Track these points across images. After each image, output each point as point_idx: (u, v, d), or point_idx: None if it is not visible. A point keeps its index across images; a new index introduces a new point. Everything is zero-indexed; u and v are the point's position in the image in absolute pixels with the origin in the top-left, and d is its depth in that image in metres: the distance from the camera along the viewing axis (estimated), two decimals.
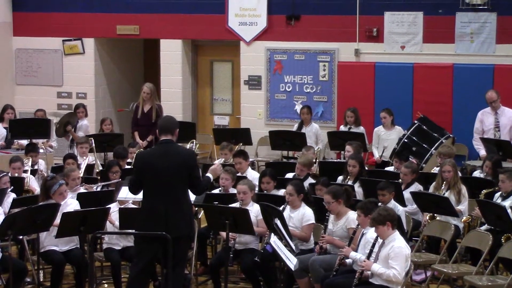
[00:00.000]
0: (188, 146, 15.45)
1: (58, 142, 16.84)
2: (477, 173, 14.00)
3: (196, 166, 9.89)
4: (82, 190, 12.06)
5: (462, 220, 12.11)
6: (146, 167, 9.74)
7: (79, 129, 16.84)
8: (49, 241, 11.04)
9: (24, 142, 15.65)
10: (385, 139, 15.94)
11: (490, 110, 15.66)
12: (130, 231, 10.71)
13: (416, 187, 12.79)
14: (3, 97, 18.03)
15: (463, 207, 12.29)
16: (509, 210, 11.31)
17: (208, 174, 10.35)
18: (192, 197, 10.65)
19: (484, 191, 12.53)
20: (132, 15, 18.99)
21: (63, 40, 19.38)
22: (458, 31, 17.18)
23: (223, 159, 14.37)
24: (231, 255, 11.17)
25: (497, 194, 12.25)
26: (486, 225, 11.86)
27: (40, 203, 11.12)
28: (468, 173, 14.25)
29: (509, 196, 12.00)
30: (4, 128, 16.37)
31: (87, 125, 17.28)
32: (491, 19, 16.97)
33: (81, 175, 12.80)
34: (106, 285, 11.93)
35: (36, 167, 14.17)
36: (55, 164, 14.76)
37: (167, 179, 9.56)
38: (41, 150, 14.94)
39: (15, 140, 16.21)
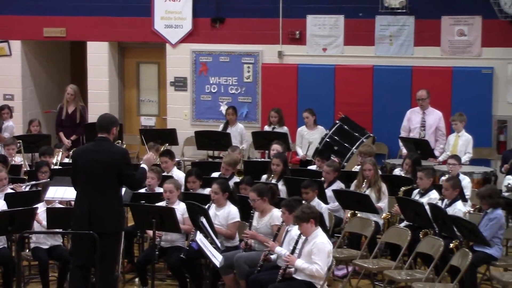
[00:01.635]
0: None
1: None
2: (397, 171, 14.15)
3: (127, 164, 9.76)
4: (9, 190, 11.94)
5: (382, 217, 12.22)
6: (78, 162, 9.72)
7: (4, 130, 16.69)
8: None
9: None
10: (308, 139, 16.03)
11: (419, 109, 15.83)
12: (57, 230, 10.66)
13: (338, 185, 12.89)
14: None
15: (383, 204, 12.41)
16: (427, 207, 11.46)
17: (143, 165, 10.25)
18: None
19: (403, 189, 12.66)
20: (59, 18, 18.83)
21: None
22: (378, 34, 17.35)
23: None
24: (158, 253, 11.16)
25: (416, 191, 12.42)
26: (405, 221, 12.01)
27: None
28: (388, 171, 14.39)
29: (427, 193, 12.17)
30: None
31: (13, 126, 17.10)
32: (409, 22, 17.17)
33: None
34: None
35: None
36: None
37: (95, 175, 9.48)
38: None
39: None
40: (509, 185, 14.07)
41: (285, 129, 16.39)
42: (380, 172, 13.05)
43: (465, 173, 13.66)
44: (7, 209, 10.98)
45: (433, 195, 12.07)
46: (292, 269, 9.80)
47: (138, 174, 9.87)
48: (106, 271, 9.55)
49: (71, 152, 13.77)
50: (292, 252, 9.89)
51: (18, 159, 14.62)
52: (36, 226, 11.02)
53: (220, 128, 17.01)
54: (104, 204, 9.49)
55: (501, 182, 14.72)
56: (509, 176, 14.49)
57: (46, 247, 11.23)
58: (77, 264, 9.70)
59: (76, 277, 9.71)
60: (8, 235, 10.91)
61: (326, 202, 12.31)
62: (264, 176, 13.30)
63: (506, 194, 13.22)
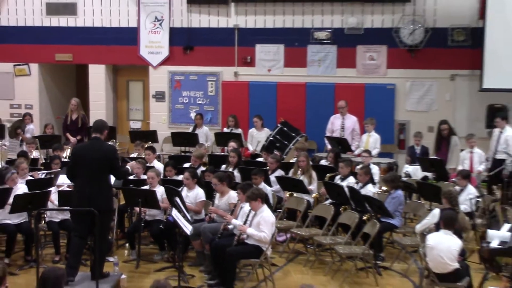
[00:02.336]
0: (109, 143, 15.30)
1: (11, 142, 16.47)
2: (323, 162, 14.21)
3: (115, 158, 9.74)
4: (29, 177, 11.86)
5: (313, 196, 12.28)
6: (77, 157, 9.68)
7: (27, 132, 16.60)
8: (4, 216, 10.84)
9: None
10: (257, 138, 16.03)
11: (340, 115, 15.89)
12: (65, 208, 10.62)
13: (279, 172, 12.91)
14: None
15: (313, 187, 12.45)
16: (346, 189, 11.53)
17: (128, 167, 10.59)
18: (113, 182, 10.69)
19: (328, 175, 12.73)
20: (68, 46, 18.68)
21: (14, 65, 18.97)
22: (309, 59, 17.39)
23: (137, 153, 14.34)
24: (143, 225, 11.15)
25: (337, 177, 12.48)
26: (329, 199, 12.08)
27: None
28: (316, 162, 14.40)
29: (346, 178, 12.26)
30: None
31: (33, 129, 17.03)
32: (333, 50, 17.23)
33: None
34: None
35: None
36: (8, 158, 14.45)
37: (92, 167, 9.46)
38: None
39: None
40: (407, 172, 14.24)
41: (239, 130, 16.37)
42: (311, 163, 13.10)
43: (374, 163, 13.77)
44: (28, 192, 10.92)
45: (351, 180, 12.15)
46: (245, 236, 9.82)
47: (123, 170, 10.03)
48: (101, 238, 9.53)
49: None
50: (245, 223, 9.92)
51: (36, 154, 14.52)
52: (50, 205, 10.99)
53: (190, 130, 16.95)
54: (100, 189, 9.50)
55: (401, 170, 14.88)
56: (407, 165, 14.67)
57: (58, 220, 11.24)
58: (77, 234, 9.68)
59: (76, 244, 9.68)
60: (28, 211, 10.87)
61: (270, 185, 12.34)
62: (224, 166, 13.29)
63: (404, 179, 13.36)
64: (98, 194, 9.45)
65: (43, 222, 11.48)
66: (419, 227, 10.14)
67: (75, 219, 9.91)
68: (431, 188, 11.96)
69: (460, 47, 16.49)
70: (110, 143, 15.13)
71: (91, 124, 16.99)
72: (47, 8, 18.77)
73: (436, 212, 9.85)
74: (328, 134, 15.82)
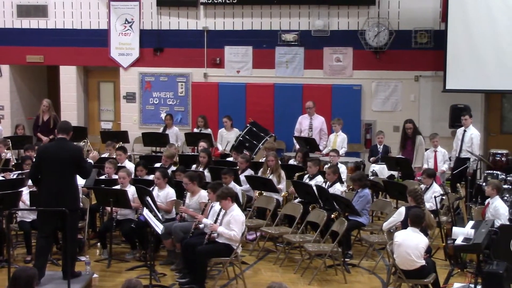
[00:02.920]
0: (81, 144, 15.10)
1: None
2: (292, 161, 14.17)
3: (81, 158, 9.63)
4: (0, 178, 11.66)
5: (282, 195, 12.23)
6: (44, 157, 9.47)
7: None
8: None
9: None
10: (227, 138, 15.97)
11: (307, 116, 15.87)
12: (37, 208, 10.41)
13: (249, 172, 12.84)
14: None
15: (282, 186, 12.40)
16: (314, 188, 11.49)
17: (90, 160, 10.31)
18: (82, 182, 10.55)
19: (297, 174, 12.70)
20: (38, 48, 18.46)
21: None
22: (277, 60, 17.35)
23: (108, 153, 14.18)
24: (114, 224, 11.01)
25: (306, 176, 12.44)
26: (298, 198, 12.02)
27: None
28: (285, 162, 14.40)
29: (314, 177, 12.20)
30: None
31: (1, 129, 16.68)
32: (300, 51, 17.21)
33: None
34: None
35: None
36: None
37: (58, 167, 9.29)
38: None
39: None
40: (373, 171, 14.26)
41: (209, 130, 16.31)
42: (280, 162, 13.06)
43: (342, 162, 13.76)
44: None
45: (319, 179, 12.10)
46: (215, 234, 9.74)
47: (88, 166, 9.73)
48: (71, 238, 9.38)
49: None
50: (215, 222, 9.84)
51: (7, 154, 14.29)
52: (21, 205, 10.81)
53: (160, 130, 16.83)
54: (66, 188, 9.33)
55: (368, 169, 14.90)
56: (373, 164, 14.68)
57: (29, 220, 11.03)
58: (43, 235, 9.48)
59: (42, 245, 9.48)
60: None
61: (240, 185, 12.26)
62: (194, 166, 13.19)
63: (371, 177, 13.37)
64: (66, 194, 9.28)
65: (15, 222, 11.31)
66: (386, 225, 10.12)
67: (41, 219, 9.66)
68: (397, 187, 11.95)
69: (423, 49, 16.56)
70: (81, 143, 15.04)
71: None
72: (18, 10, 18.53)
73: (402, 210, 9.84)
74: (296, 134, 15.78)
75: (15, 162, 13.96)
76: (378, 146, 15.15)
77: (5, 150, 14.32)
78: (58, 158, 9.31)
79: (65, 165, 9.32)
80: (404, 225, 9.41)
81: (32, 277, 6.50)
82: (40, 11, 18.43)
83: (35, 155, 10.73)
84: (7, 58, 18.64)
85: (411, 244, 8.74)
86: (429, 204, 11.06)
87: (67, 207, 9.05)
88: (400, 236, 8.90)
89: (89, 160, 10.34)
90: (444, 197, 11.41)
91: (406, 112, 16.44)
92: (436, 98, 16.44)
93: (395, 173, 13.72)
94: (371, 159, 14.99)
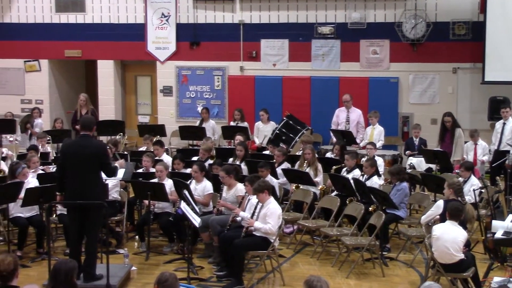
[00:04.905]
0: (117, 137, 15.24)
1: (22, 136, 16.40)
2: (329, 154, 14.11)
3: (105, 155, 9.47)
4: (40, 171, 11.79)
5: (319, 188, 12.17)
6: (68, 154, 9.32)
7: (35, 126, 16.51)
8: (16, 209, 10.80)
9: None
10: (263, 131, 15.96)
11: (344, 109, 15.80)
12: (75, 202, 10.49)
13: (286, 165, 12.80)
14: None
15: (319, 179, 12.35)
16: (351, 181, 11.43)
17: (116, 165, 10.12)
18: (121, 175, 10.63)
19: (334, 167, 12.64)
20: (77, 42, 18.62)
21: (25, 61, 18.93)
22: (314, 53, 17.29)
23: (145, 147, 14.25)
24: (152, 217, 11.07)
25: (343, 169, 12.39)
26: (335, 191, 11.97)
27: (8, 182, 10.89)
28: (322, 155, 14.34)
29: (352, 171, 12.15)
30: None
31: (41, 123, 16.91)
32: (337, 44, 17.12)
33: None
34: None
35: (7, 155, 13.90)
36: (20, 152, 14.38)
37: (82, 164, 9.11)
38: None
39: None
40: (411, 164, 14.14)
41: (245, 124, 16.29)
42: (316, 155, 13.01)
43: (379, 155, 13.67)
44: (39, 186, 10.85)
45: (356, 172, 12.05)
46: (253, 228, 9.73)
47: (113, 167, 9.59)
48: (94, 236, 9.37)
49: None
50: (252, 215, 9.83)
51: (47, 148, 14.44)
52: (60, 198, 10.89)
53: (197, 124, 16.87)
54: (91, 186, 9.15)
55: (405, 162, 14.78)
56: (411, 157, 14.56)
57: None
58: (73, 228, 9.34)
59: (73, 238, 9.39)
60: (39, 205, 10.79)
61: (277, 178, 12.23)
62: (231, 159, 13.19)
63: (409, 171, 13.26)
64: (89, 191, 9.10)
65: (54, 215, 11.41)
66: (424, 218, 10.01)
67: (69, 213, 9.53)
68: (435, 180, 11.83)
69: (461, 41, 16.37)
70: (117, 136, 15.16)
71: (100, 118, 17.11)
72: (56, 5, 18.72)
73: (440, 203, 9.73)
74: (333, 127, 15.70)
75: (54, 155, 14.08)
76: (414, 139, 15.03)
77: (45, 144, 14.49)
78: (82, 155, 9.12)
79: (88, 162, 9.13)
80: (442, 218, 9.32)
81: (72, 269, 6.55)
82: (78, 6, 18.59)
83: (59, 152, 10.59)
84: (46, 53, 18.84)
85: (449, 238, 8.66)
86: (468, 197, 10.94)
87: (91, 205, 9.02)
88: (439, 230, 8.81)
89: (116, 164, 10.11)
90: (483, 190, 11.27)
91: (443, 105, 16.27)
92: (475, 90, 16.27)
93: (433, 166, 13.58)
94: (407, 152, 14.87)
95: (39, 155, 12.99)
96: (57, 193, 9.53)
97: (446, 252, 8.67)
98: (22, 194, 10.50)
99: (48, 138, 14.68)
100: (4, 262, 6.43)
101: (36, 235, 11.15)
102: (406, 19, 16.60)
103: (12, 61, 18.97)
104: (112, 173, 9.58)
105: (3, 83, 19.12)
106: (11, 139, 15.62)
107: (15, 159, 13.20)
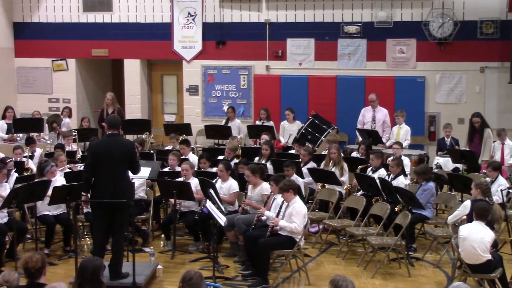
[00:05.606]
0: (143, 136, 15.30)
1: (49, 135, 16.51)
2: (354, 154, 14.07)
3: (134, 153, 9.54)
4: (67, 170, 11.87)
5: (344, 188, 12.15)
6: (97, 153, 9.31)
7: (63, 126, 16.65)
8: (44, 207, 10.90)
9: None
10: (289, 130, 15.95)
11: (370, 108, 15.75)
12: (103, 200, 10.55)
13: (311, 164, 12.79)
14: (8, 102, 17.65)
15: (344, 178, 12.33)
16: (377, 180, 11.39)
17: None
18: (146, 174, 10.65)
19: (359, 167, 12.61)
20: (104, 41, 18.73)
21: (52, 60, 19.06)
22: (339, 52, 17.23)
23: (171, 146, 14.31)
24: (178, 216, 11.11)
25: (369, 169, 12.35)
26: (361, 191, 11.94)
27: (36, 180, 10.99)
28: (348, 154, 14.30)
29: (377, 170, 12.12)
30: (6, 123, 16.06)
31: (69, 122, 17.08)
32: (363, 43, 17.05)
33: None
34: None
35: (35, 154, 13.99)
36: (47, 151, 14.49)
37: (112, 163, 9.15)
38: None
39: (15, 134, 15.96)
40: (438, 164, 14.06)
41: (271, 123, 16.28)
42: (342, 155, 12.98)
43: (405, 155, 13.61)
44: (66, 184, 10.93)
45: (382, 172, 12.01)
46: (278, 227, 9.73)
47: (138, 163, 9.58)
48: (122, 235, 9.43)
49: None
50: (277, 214, 9.83)
51: (74, 147, 14.54)
52: (85, 198, 10.97)
53: (223, 123, 16.90)
54: (120, 184, 9.20)
55: (432, 162, 14.70)
56: (438, 157, 14.49)
57: None
58: (100, 226, 9.36)
59: (100, 235, 9.43)
60: (67, 203, 10.87)
61: (302, 177, 12.23)
62: (256, 158, 13.20)
63: (435, 170, 13.19)
64: (120, 190, 9.16)
65: (81, 213, 11.48)
66: (450, 218, 9.94)
67: (94, 214, 9.55)
68: (462, 180, 11.76)
69: (489, 40, 16.24)
70: (144, 135, 15.22)
71: (126, 117, 17.19)
72: (83, 4, 18.83)
73: (468, 203, 9.66)
74: (359, 126, 15.66)
75: (81, 154, 14.18)
76: (446, 139, 14.94)
77: (71, 142, 14.60)
78: (112, 154, 9.17)
79: (118, 160, 9.18)
80: (469, 218, 9.25)
81: (99, 267, 6.59)
82: (105, 5, 18.69)
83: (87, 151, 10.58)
84: (73, 52, 18.96)
85: (476, 238, 8.59)
86: (495, 198, 10.85)
87: (121, 203, 9.06)
88: (465, 230, 8.75)
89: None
90: (510, 191, 11.18)
91: (471, 104, 16.16)
92: (503, 89, 16.13)
93: (459, 166, 13.49)
94: (439, 153, 14.78)
95: (65, 153, 13.09)
96: (83, 193, 9.55)
97: (473, 252, 8.61)
98: (49, 192, 10.58)
99: (74, 135, 14.78)
100: (32, 260, 6.49)
101: (63, 233, 11.25)
102: (433, 18, 16.50)
103: (40, 60, 19.12)
104: (138, 170, 9.63)
105: (31, 82, 19.29)
106: (47, 138, 15.82)
107: (43, 158, 13.31)
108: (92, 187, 9.34)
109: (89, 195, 9.71)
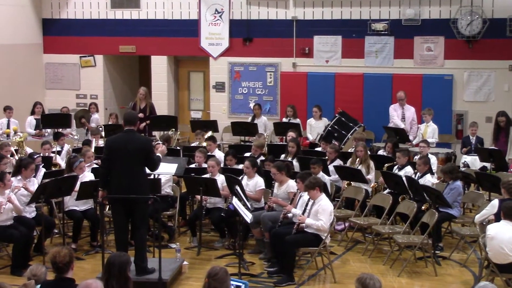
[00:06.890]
0: (169, 133, 15.33)
1: (77, 131, 16.62)
2: (381, 152, 14.02)
3: (151, 150, 9.48)
4: (94, 165, 11.94)
5: (371, 186, 12.13)
6: (114, 149, 9.32)
7: (92, 122, 16.76)
8: (71, 202, 11.00)
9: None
10: (315, 128, 15.93)
11: (399, 105, 15.69)
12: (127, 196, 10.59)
13: (338, 162, 12.77)
14: (36, 98, 17.75)
15: (371, 176, 12.29)
16: (404, 178, 11.34)
17: (158, 154, 10.06)
18: (173, 170, 10.65)
19: (386, 165, 12.57)
20: (131, 38, 18.80)
21: (80, 56, 19.18)
22: (367, 50, 17.16)
23: (197, 142, 14.33)
24: (204, 212, 11.13)
25: (395, 167, 12.30)
26: (387, 189, 11.90)
27: (65, 175, 11.08)
28: (374, 152, 14.25)
29: (403, 168, 12.06)
30: (35, 119, 16.18)
31: (98, 118, 17.22)
32: (390, 41, 16.97)
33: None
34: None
35: (64, 149, 14.11)
36: (75, 146, 14.59)
37: (128, 159, 9.14)
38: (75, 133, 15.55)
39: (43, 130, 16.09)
40: (465, 163, 13.97)
41: (298, 120, 16.27)
42: (368, 153, 12.94)
43: (432, 153, 13.53)
44: (94, 179, 10.99)
45: (409, 170, 11.96)
46: (304, 224, 9.72)
47: (156, 159, 9.52)
48: (143, 230, 9.45)
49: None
50: (303, 212, 9.83)
51: (101, 143, 14.61)
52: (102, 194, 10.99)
53: (249, 120, 16.92)
54: (136, 181, 9.19)
55: (459, 160, 14.60)
56: (465, 156, 14.39)
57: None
58: (119, 221, 9.39)
59: (121, 230, 9.44)
60: (94, 198, 10.91)
61: (328, 175, 12.20)
62: (283, 156, 13.20)
63: (463, 169, 13.11)
64: (135, 186, 9.14)
65: (108, 208, 11.54)
66: (478, 218, 9.87)
67: (113, 206, 9.55)
68: (489, 178, 11.67)
69: None
70: (170, 132, 15.25)
71: (158, 113, 17.21)
72: (111, 1, 18.92)
73: (495, 202, 9.58)
74: (391, 124, 15.56)
75: None
76: (471, 137, 14.84)
77: (99, 139, 14.68)
78: (128, 150, 9.15)
79: (134, 156, 9.15)
80: (497, 218, 9.18)
81: (126, 263, 6.62)
82: (133, 2, 18.77)
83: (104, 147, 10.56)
84: (101, 48, 19.07)
85: (504, 238, 8.53)
86: None
87: (137, 199, 9.08)
88: (493, 229, 8.69)
89: (158, 154, 10.05)
90: None
91: (499, 103, 16.02)
92: None
93: (487, 164, 13.39)
94: (463, 150, 14.69)
95: (93, 149, 13.17)
96: (100, 189, 9.56)
97: (501, 252, 8.54)
98: (77, 187, 10.67)
99: (100, 133, 14.87)
100: (60, 254, 6.53)
101: (90, 229, 11.33)
102: (462, 16, 16.37)
103: (68, 56, 19.25)
104: (155, 167, 9.57)
105: (59, 78, 19.42)
106: (74, 133, 15.94)
107: (72, 153, 13.41)
108: (108, 182, 9.37)
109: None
